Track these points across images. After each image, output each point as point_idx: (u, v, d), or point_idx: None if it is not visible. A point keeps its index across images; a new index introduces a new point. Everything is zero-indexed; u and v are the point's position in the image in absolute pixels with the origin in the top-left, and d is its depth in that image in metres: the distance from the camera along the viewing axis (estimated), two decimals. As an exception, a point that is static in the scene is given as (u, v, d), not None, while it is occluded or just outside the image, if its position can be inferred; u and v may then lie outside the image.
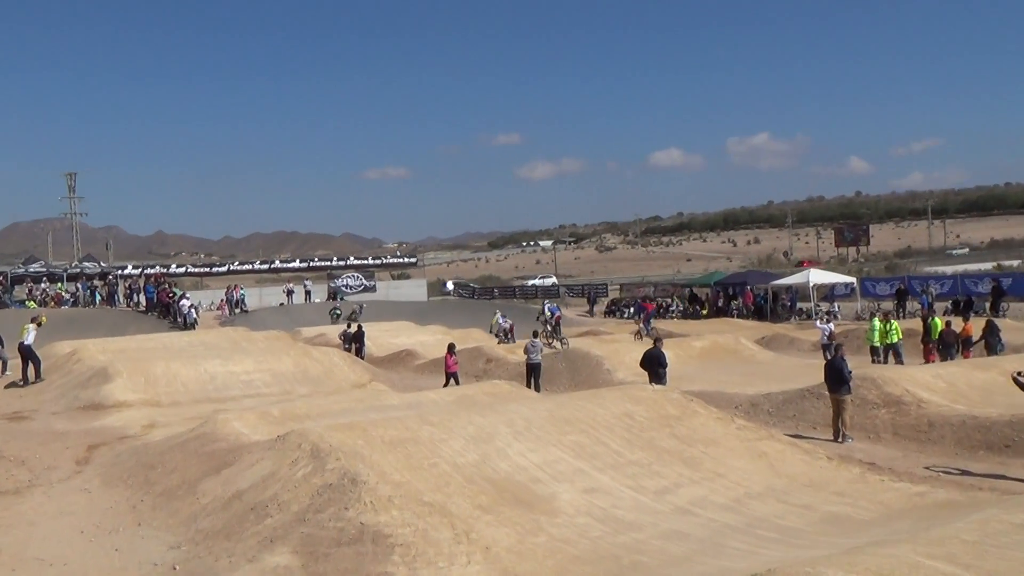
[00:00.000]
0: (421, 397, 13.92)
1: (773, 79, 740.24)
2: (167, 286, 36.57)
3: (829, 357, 13.08)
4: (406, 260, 60.99)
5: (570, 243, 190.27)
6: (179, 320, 30.75)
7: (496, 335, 28.30)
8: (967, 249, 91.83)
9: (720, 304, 39.12)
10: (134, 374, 15.90)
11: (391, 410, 12.02)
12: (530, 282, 74.19)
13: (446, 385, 16.87)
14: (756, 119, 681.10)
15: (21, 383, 16.91)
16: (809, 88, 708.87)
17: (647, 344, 18.27)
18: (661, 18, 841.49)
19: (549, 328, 28.57)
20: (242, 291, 42.64)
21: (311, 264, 57.56)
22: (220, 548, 7.12)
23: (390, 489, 7.32)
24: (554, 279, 77.58)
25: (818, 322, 24.71)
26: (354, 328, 25.96)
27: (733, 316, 36.06)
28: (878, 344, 19.17)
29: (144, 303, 35.68)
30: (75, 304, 36.17)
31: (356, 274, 51.84)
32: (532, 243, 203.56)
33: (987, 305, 29.74)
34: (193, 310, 31.29)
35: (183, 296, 33.42)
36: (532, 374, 17.76)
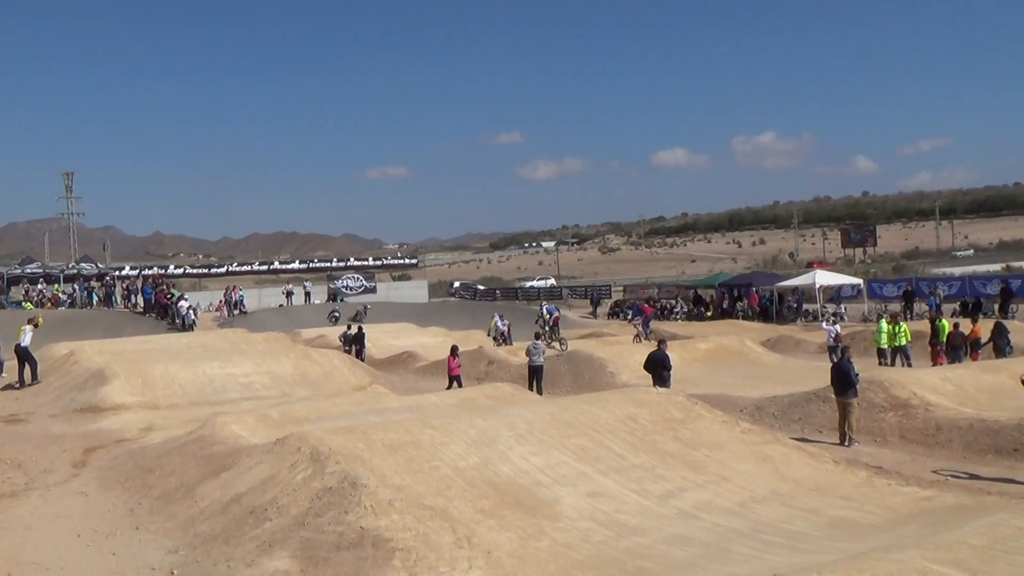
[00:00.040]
0: (422, 400, 13.84)
1: (779, 77, 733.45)
2: (165, 287, 36.45)
3: (835, 359, 12.98)
4: (407, 261, 60.99)
5: (573, 244, 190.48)
6: (177, 322, 30.64)
7: (494, 338, 28.14)
8: (972, 251, 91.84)
9: (725, 306, 38.99)
10: (131, 376, 15.83)
11: (392, 413, 11.96)
12: (528, 284, 74.09)
13: (449, 387, 16.79)
14: (762, 118, 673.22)
15: (17, 385, 16.87)
16: (815, 86, 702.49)
17: (648, 347, 18.17)
18: (665, 16, 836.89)
19: (547, 329, 28.47)
20: (241, 292, 42.65)
21: (311, 265, 57.65)
22: (218, 552, 7.08)
23: (391, 493, 7.26)
24: (552, 280, 77.53)
25: (824, 324, 24.53)
26: (354, 330, 25.90)
27: (738, 318, 35.84)
28: (885, 346, 19.00)
29: (142, 304, 35.60)
30: (72, 305, 36.08)
31: (356, 275, 51.84)
32: (534, 244, 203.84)
33: (996, 307, 29.55)
34: (191, 311, 31.18)
35: (181, 297, 33.34)
36: (534, 376, 17.66)
